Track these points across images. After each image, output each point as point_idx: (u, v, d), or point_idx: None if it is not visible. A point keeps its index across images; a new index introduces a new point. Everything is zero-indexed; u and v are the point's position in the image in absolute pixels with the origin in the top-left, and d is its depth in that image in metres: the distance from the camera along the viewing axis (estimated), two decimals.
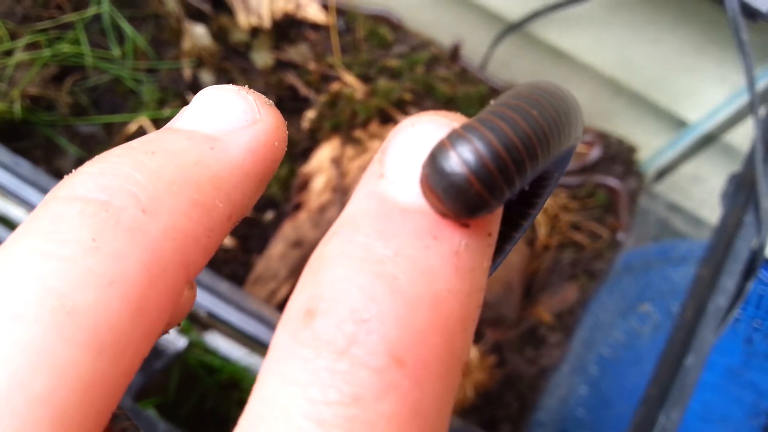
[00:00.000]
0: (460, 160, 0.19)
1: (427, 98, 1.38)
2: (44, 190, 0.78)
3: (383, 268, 0.19)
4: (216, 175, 0.23)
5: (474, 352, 1.24)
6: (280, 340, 0.19)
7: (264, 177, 0.25)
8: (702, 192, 1.52)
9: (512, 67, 1.46)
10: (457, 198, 0.19)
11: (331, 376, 0.17)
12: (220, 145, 0.24)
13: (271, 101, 0.27)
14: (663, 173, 1.48)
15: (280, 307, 1.19)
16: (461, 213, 0.19)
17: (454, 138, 0.19)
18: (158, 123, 1.30)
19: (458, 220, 0.19)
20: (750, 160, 0.98)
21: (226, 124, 0.24)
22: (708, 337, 0.88)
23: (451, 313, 0.19)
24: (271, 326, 0.80)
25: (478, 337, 1.28)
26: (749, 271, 0.91)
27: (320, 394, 0.17)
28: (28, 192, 0.79)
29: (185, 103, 1.34)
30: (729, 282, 0.91)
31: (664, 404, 0.86)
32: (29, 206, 0.77)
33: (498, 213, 0.22)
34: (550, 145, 0.20)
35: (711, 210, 1.54)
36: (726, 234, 0.93)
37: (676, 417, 0.85)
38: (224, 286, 0.80)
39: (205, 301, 0.88)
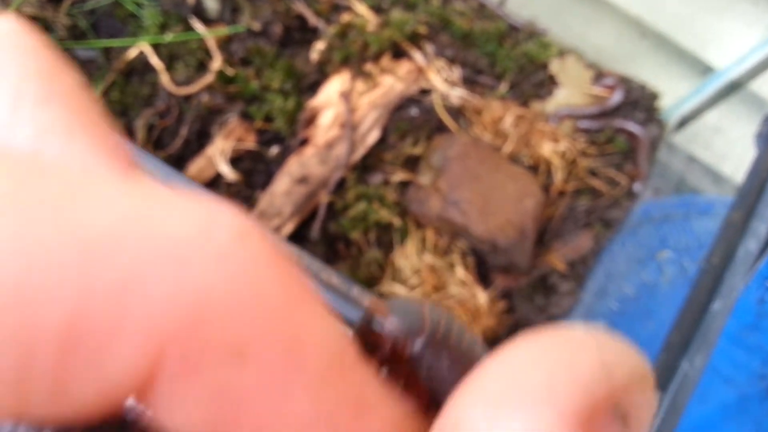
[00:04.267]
0: None
1: (442, 32, 1.31)
2: None
3: None
4: None
5: (483, 298, 1.19)
6: None
7: None
8: (723, 144, 1.47)
9: (533, 4, 1.38)
10: None
11: None
12: None
13: None
14: (685, 122, 1.42)
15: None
16: None
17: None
18: (159, 49, 1.24)
19: None
20: None
21: None
22: (737, 282, 0.83)
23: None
24: None
25: (487, 283, 1.23)
26: None
27: None
28: None
29: (188, 28, 1.27)
30: (761, 226, 0.86)
31: (687, 350, 0.81)
32: None
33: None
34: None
35: (731, 165, 1.48)
36: (760, 176, 0.88)
37: (700, 363, 0.81)
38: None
39: None
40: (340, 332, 0.18)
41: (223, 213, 0.16)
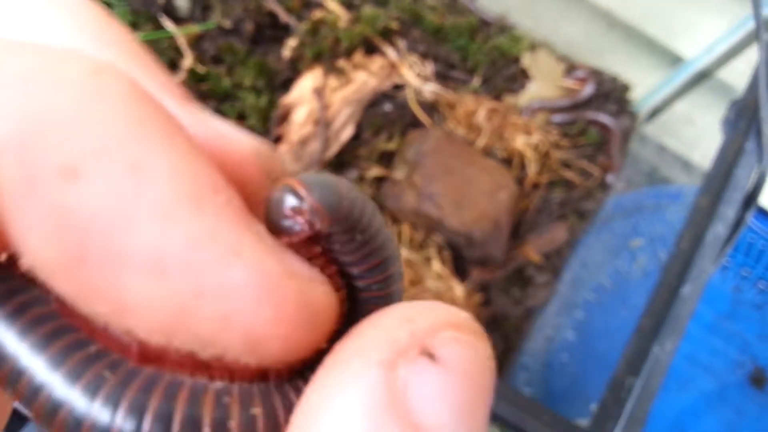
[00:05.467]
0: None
1: (414, 27, 1.32)
2: None
3: None
4: None
5: (460, 290, 1.20)
6: None
7: None
8: (692, 133, 1.49)
9: None
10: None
11: None
12: None
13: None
14: (656, 112, 1.44)
15: None
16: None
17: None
18: None
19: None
20: (753, 86, 0.93)
21: None
22: (706, 266, 0.84)
23: None
24: None
25: (464, 276, 1.24)
26: (749, 200, 0.87)
27: None
28: None
29: (158, 27, 1.26)
30: (729, 210, 0.87)
31: (658, 334, 0.82)
32: None
33: None
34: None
35: (701, 153, 1.50)
36: (726, 161, 0.89)
37: (671, 347, 0.81)
38: None
39: None
40: (209, 171, 0.17)
41: (84, 56, 0.17)
